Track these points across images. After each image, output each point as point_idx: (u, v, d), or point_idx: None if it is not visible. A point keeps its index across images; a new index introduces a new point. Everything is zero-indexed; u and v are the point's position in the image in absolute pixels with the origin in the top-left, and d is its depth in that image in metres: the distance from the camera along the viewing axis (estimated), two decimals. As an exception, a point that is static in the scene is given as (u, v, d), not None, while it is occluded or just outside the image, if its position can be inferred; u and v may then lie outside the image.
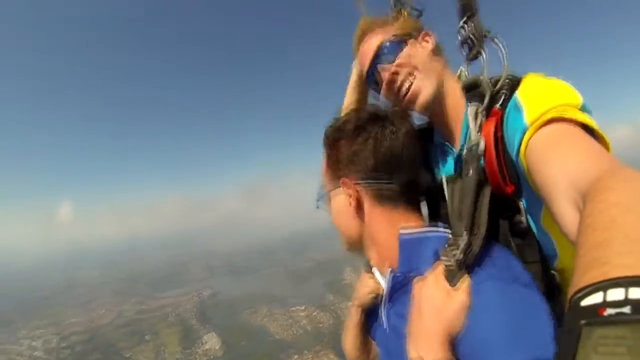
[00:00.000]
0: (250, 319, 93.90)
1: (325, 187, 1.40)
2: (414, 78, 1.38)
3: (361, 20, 1.49)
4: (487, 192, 1.14)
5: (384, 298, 1.31)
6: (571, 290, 0.50)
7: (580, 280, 0.51)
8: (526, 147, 1.03)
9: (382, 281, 1.33)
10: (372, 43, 1.45)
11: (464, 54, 1.35)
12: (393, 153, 1.25)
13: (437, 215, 1.48)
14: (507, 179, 1.16)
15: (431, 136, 1.57)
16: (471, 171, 1.14)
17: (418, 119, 1.51)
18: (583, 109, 1.03)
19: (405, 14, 1.48)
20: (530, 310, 0.99)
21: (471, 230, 1.09)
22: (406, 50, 1.40)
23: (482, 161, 1.16)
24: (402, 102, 1.40)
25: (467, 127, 1.27)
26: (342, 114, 1.44)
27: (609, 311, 0.41)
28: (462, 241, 1.06)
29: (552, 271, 1.22)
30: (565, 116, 0.99)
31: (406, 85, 1.38)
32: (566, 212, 0.86)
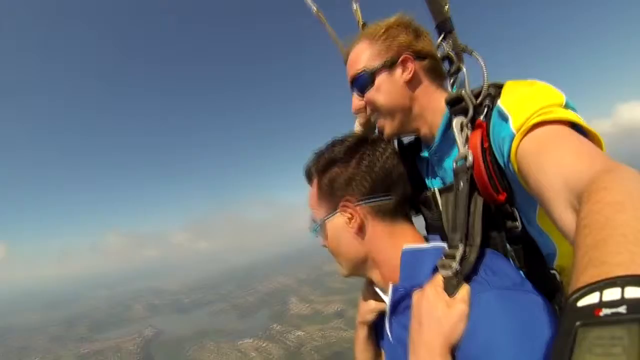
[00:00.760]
0: (197, 357, 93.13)
1: (318, 215, 1.41)
2: (378, 116, 1.51)
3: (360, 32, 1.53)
4: (479, 202, 1.17)
5: (387, 312, 1.35)
6: (569, 291, 0.51)
7: (577, 280, 0.51)
8: (516, 153, 1.04)
9: (384, 297, 1.37)
10: (350, 66, 1.52)
11: (445, 69, 1.40)
12: (387, 170, 1.35)
13: (427, 225, 1.59)
14: (498, 188, 1.18)
15: (419, 149, 1.65)
16: (462, 184, 1.17)
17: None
18: (566, 106, 1.05)
19: (397, 24, 1.47)
20: (531, 315, 1.00)
21: (466, 241, 1.13)
22: (374, 88, 1.47)
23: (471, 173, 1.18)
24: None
25: (443, 130, 1.40)
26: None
27: (605, 311, 0.42)
28: (458, 252, 1.09)
29: (553, 271, 1.26)
30: (551, 117, 1.01)
31: (372, 119, 1.54)
32: (564, 216, 0.87)
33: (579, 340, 0.42)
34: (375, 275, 1.41)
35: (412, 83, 1.46)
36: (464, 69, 1.34)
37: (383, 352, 1.59)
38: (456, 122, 1.28)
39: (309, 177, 1.48)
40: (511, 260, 1.28)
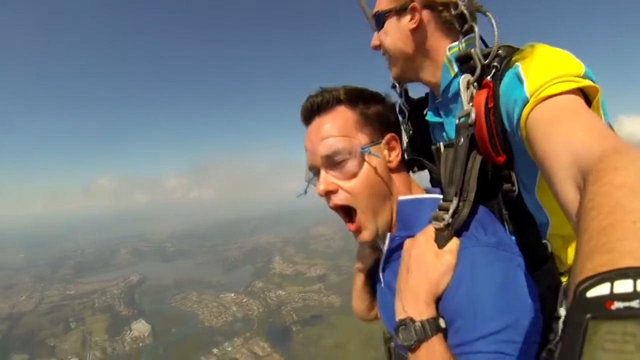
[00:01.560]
0: (179, 305, 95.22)
1: (351, 143, 1.29)
2: (388, 58, 1.53)
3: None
4: (477, 160, 1.18)
5: (382, 258, 1.40)
6: (575, 277, 0.48)
7: (584, 266, 0.49)
8: (527, 119, 1.02)
9: (382, 246, 1.40)
10: (376, 4, 1.52)
11: (458, 27, 1.38)
12: (398, 122, 1.48)
13: (431, 180, 1.65)
14: (498, 149, 1.18)
15: (423, 108, 1.70)
16: (462, 140, 1.18)
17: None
18: (585, 76, 1.02)
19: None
20: (513, 275, 1.05)
21: (460, 196, 1.15)
22: (383, 31, 1.52)
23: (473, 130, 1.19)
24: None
25: (446, 85, 1.44)
26: None
27: (617, 305, 0.39)
28: (452, 205, 1.12)
29: (545, 240, 1.28)
30: (568, 87, 0.98)
31: (386, 58, 1.53)
32: (567, 191, 0.85)
33: (589, 335, 0.39)
34: (382, 223, 1.37)
35: (419, 32, 1.45)
36: (477, 29, 1.32)
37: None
38: (463, 79, 1.27)
39: (331, 105, 1.34)
40: (505, 224, 1.29)
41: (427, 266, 1.09)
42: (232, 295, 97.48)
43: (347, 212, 1.35)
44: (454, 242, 1.11)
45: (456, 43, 1.40)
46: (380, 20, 1.53)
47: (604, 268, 0.45)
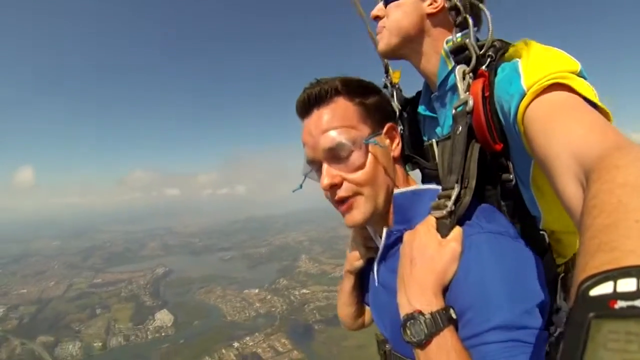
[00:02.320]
0: (203, 299, 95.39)
1: (355, 135, 1.25)
2: (383, 29, 1.47)
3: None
4: (476, 148, 1.16)
5: (378, 255, 1.36)
6: (578, 275, 0.48)
7: (587, 264, 0.49)
8: (524, 112, 1.01)
9: (377, 243, 1.36)
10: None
11: (452, 20, 1.37)
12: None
13: (423, 177, 1.61)
14: (495, 137, 1.17)
15: (414, 106, 1.67)
16: (460, 128, 1.17)
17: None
18: (581, 74, 1.02)
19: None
20: (521, 260, 1.03)
21: (462, 183, 1.12)
22: (396, 3, 1.45)
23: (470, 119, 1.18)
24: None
25: (444, 66, 1.42)
26: None
27: (620, 304, 0.39)
28: (454, 192, 1.09)
29: (542, 231, 1.26)
30: (565, 83, 0.97)
31: (378, 29, 1.48)
32: (568, 188, 0.84)
33: (592, 333, 0.39)
34: (378, 217, 1.33)
35: (434, 18, 1.44)
36: (471, 21, 1.32)
37: (367, 306, 1.60)
38: (458, 69, 1.27)
39: (329, 96, 1.29)
40: (504, 215, 1.28)
41: (432, 255, 1.04)
42: (256, 291, 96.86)
43: (343, 200, 1.29)
44: (458, 230, 1.07)
45: (450, 37, 1.40)
46: None
47: (607, 266, 0.45)
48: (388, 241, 1.30)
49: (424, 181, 1.57)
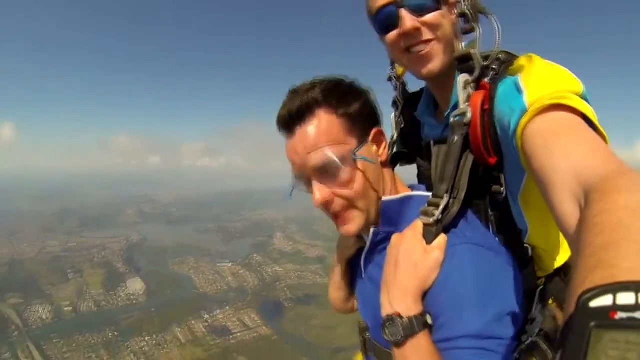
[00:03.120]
0: (176, 269, 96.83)
1: (343, 149, 1.23)
2: (434, 43, 1.34)
3: None
4: (469, 159, 1.19)
5: (365, 250, 1.41)
6: (576, 289, 0.50)
7: (586, 279, 0.51)
8: (523, 129, 1.01)
9: (365, 238, 1.40)
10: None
11: (460, 26, 1.34)
12: (379, 115, 1.39)
13: (418, 174, 1.64)
14: (490, 150, 1.18)
15: (416, 103, 1.65)
16: (456, 137, 1.18)
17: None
18: (583, 97, 1.02)
19: None
20: (498, 273, 1.11)
21: (451, 193, 1.16)
22: (438, 13, 1.31)
23: (467, 130, 1.18)
24: (408, 60, 1.38)
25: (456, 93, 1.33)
26: None
27: (620, 315, 0.41)
28: (442, 202, 1.12)
29: (526, 244, 1.30)
30: (567, 103, 0.97)
31: (420, 47, 1.35)
32: (565, 206, 0.85)
33: (593, 342, 0.40)
34: (365, 216, 1.35)
35: (457, 25, 1.37)
36: (478, 30, 1.31)
37: (356, 295, 1.65)
38: (460, 78, 1.26)
39: (310, 110, 1.24)
40: (490, 225, 1.31)
41: (416, 261, 1.10)
42: (229, 264, 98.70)
43: (337, 214, 1.32)
44: (442, 238, 1.12)
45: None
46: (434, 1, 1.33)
47: (606, 281, 0.47)
48: (374, 239, 1.34)
49: (418, 176, 1.64)
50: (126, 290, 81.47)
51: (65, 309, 73.07)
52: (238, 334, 66.85)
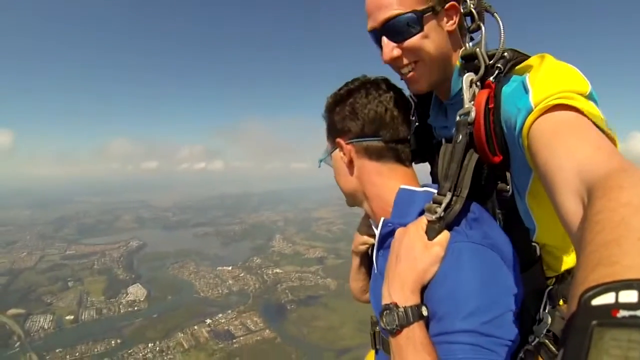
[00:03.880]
0: (177, 274, 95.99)
1: (326, 149, 1.54)
2: (415, 67, 1.39)
3: None
4: (473, 158, 1.22)
5: (376, 244, 1.47)
6: (578, 287, 0.50)
7: (588, 277, 0.50)
8: (529, 128, 1.03)
9: (375, 230, 1.46)
10: (380, 7, 1.34)
11: (466, 25, 1.38)
12: (378, 113, 1.44)
13: (432, 173, 1.71)
14: (495, 149, 1.20)
15: (429, 101, 1.68)
16: (460, 137, 1.21)
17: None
18: (590, 97, 1.03)
19: None
20: (496, 272, 1.13)
21: (454, 191, 1.18)
22: (422, 34, 1.33)
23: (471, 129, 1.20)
24: (401, 77, 1.46)
25: (457, 84, 1.40)
26: None
27: (622, 313, 0.41)
28: (445, 200, 1.16)
29: (534, 243, 1.30)
30: (573, 104, 0.98)
31: (405, 70, 1.41)
32: (567, 203, 0.85)
33: (595, 340, 0.40)
34: (367, 208, 1.56)
35: (454, 35, 1.41)
36: (483, 29, 1.34)
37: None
38: (466, 77, 1.29)
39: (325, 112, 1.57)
40: (498, 223, 1.33)
41: (416, 256, 1.14)
42: (230, 268, 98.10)
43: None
44: (444, 235, 1.16)
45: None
46: (413, 23, 1.32)
47: (608, 279, 0.47)
48: (384, 230, 1.38)
49: (432, 175, 1.73)
50: (127, 298, 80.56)
51: (67, 317, 72.15)
52: (241, 337, 66.24)
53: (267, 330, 68.88)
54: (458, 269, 1.10)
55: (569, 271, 1.36)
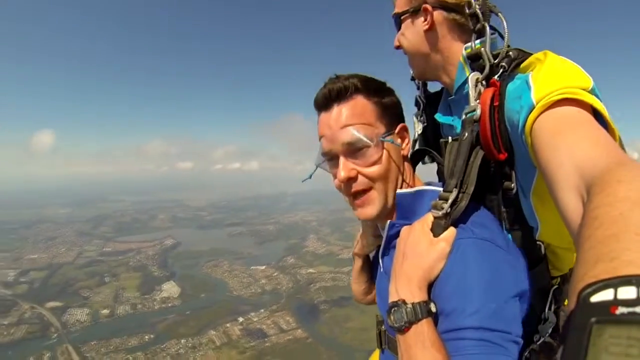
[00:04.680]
0: (210, 272, 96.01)
1: (372, 132, 1.35)
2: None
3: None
4: (479, 155, 1.21)
5: (382, 245, 1.45)
6: (577, 283, 0.49)
7: (587, 273, 0.50)
8: (532, 125, 1.03)
9: (382, 233, 1.45)
10: (395, 5, 1.56)
11: (471, 26, 1.41)
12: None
13: (438, 171, 1.70)
14: (500, 146, 1.21)
15: (437, 102, 1.73)
16: (466, 134, 1.21)
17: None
18: (593, 92, 1.03)
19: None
20: (502, 268, 1.11)
21: (460, 188, 1.18)
22: (400, 32, 1.55)
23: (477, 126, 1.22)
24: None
25: (461, 73, 1.45)
26: None
27: (621, 310, 0.40)
28: (451, 196, 1.15)
29: (538, 242, 1.30)
30: (575, 98, 0.99)
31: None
32: (567, 200, 0.85)
33: (594, 338, 0.40)
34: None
35: (432, 33, 1.49)
36: (488, 29, 1.37)
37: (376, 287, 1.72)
38: (472, 77, 1.32)
39: (349, 92, 1.37)
40: (502, 222, 1.33)
41: (422, 252, 1.13)
42: (263, 267, 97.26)
43: (357, 194, 1.39)
44: (450, 232, 1.15)
45: (470, 43, 1.43)
46: (397, 22, 1.58)
47: (607, 275, 0.46)
48: (390, 232, 1.39)
49: (438, 174, 1.70)
50: (161, 294, 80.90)
51: (103, 312, 72.89)
52: (273, 337, 65.11)
53: (299, 330, 67.42)
54: (464, 265, 1.09)
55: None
